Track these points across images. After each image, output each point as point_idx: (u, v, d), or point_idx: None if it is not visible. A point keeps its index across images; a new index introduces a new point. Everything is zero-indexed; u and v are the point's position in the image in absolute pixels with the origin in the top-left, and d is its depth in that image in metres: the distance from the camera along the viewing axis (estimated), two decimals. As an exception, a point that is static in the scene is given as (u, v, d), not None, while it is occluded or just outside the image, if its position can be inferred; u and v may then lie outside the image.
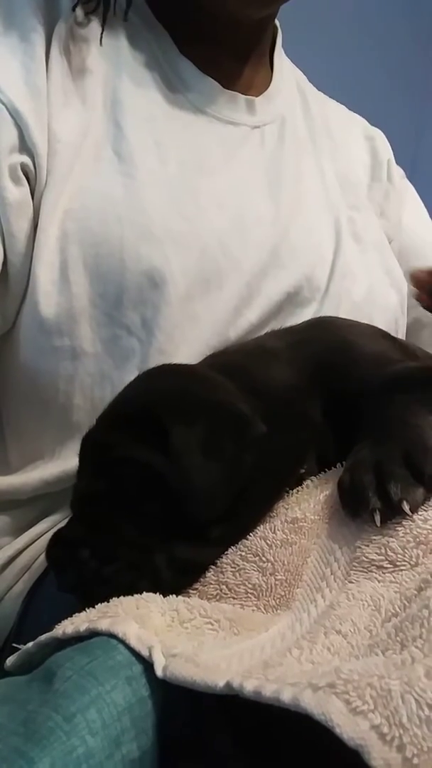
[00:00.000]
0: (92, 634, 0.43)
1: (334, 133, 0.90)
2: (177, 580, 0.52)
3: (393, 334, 0.79)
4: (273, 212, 0.77)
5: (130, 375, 0.66)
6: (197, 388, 0.56)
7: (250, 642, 0.44)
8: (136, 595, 0.48)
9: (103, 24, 0.74)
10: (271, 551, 0.50)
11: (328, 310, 0.76)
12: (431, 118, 2.26)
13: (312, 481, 0.55)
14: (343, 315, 0.75)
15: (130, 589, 0.50)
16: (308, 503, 0.52)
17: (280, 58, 0.88)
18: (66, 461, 0.70)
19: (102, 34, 0.74)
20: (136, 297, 0.67)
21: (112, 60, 0.75)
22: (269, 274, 0.73)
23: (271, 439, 0.54)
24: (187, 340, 0.69)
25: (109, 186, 0.69)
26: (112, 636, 0.42)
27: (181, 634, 0.45)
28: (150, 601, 0.47)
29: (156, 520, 0.52)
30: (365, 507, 0.47)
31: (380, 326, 0.74)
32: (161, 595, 0.49)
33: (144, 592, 0.49)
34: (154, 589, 0.50)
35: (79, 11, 0.73)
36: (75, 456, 0.61)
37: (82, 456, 0.58)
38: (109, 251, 0.67)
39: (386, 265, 0.85)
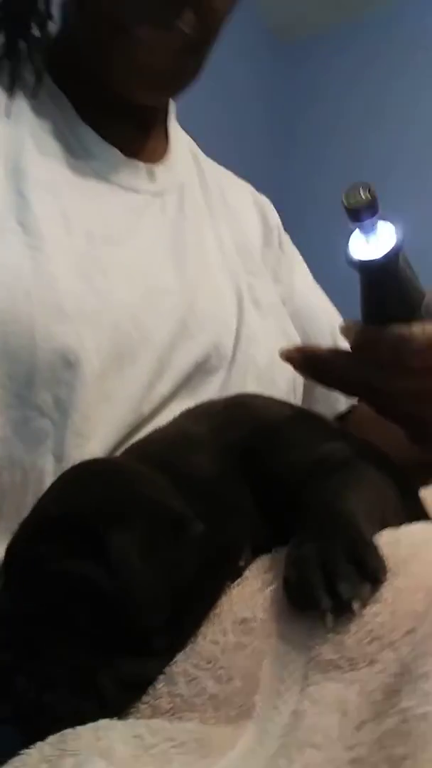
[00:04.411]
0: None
1: (228, 200, 0.91)
2: (124, 697, 0.50)
3: (292, 394, 0.81)
4: (179, 282, 0.76)
5: (43, 459, 0.63)
6: (128, 488, 0.54)
7: (221, 764, 0.43)
8: (92, 725, 0.46)
9: (11, 94, 0.73)
10: (225, 656, 0.49)
11: (235, 377, 0.77)
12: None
13: (251, 571, 0.55)
14: (249, 381, 0.77)
15: (75, 715, 0.47)
16: (255, 600, 0.52)
17: (175, 126, 0.89)
18: None
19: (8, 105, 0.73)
20: (48, 376, 0.64)
21: (13, 129, 0.72)
22: (179, 346, 0.73)
23: (207, 536, 0.53)
24: (103, 420, 0.67)
25: (15, 259, 0.66)
26: None
27: (148, 764, 0.44)
28: (110, 729, 0.45)
29: (95, 636, 0.50)
30: (316, 607, 0.47)
31: (282, 388, 0.76)
32: (118, 720, 0.47)
33: (95, 719, 0.47)
34: (100, 711, 0.48)
35: None
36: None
37: (7, 570, 0.53)
38: (18, 329, 0.63)
39: (284, 328, 0.87)
